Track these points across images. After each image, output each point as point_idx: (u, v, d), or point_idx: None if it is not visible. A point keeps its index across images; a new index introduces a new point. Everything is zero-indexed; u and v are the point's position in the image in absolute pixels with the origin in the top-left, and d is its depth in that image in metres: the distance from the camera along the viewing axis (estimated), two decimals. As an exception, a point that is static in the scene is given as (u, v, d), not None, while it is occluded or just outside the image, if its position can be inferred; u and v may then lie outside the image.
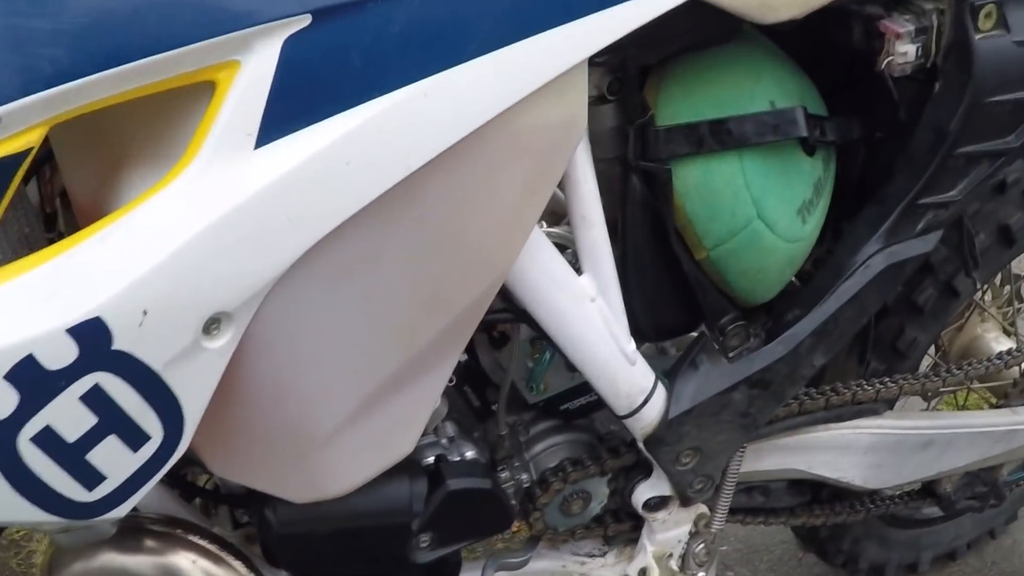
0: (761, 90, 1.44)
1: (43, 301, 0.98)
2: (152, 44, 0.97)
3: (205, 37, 0.99)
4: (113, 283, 1.00)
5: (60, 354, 0.99)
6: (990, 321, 2.09)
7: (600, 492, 1.66)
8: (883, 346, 1.82)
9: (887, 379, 1.75)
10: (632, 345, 1.46)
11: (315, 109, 1.06)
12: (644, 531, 1.70)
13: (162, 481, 1.18)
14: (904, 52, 1.43)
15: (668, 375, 1.53)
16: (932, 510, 2.12)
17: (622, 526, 1.71)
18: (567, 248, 1.43)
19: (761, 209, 1.43)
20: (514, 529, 1.97)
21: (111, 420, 1.06)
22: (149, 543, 1.34)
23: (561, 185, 1.32)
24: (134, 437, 1.08)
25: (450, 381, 1.35)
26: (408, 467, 1.38)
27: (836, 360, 1.71)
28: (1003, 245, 1.80)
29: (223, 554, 1.36)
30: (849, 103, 1.55)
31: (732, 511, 1.73)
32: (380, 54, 1.08)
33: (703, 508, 1.69)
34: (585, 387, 1.56)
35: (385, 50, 1.08)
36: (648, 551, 1.70)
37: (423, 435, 1.42)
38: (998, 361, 1.88)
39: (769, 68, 1.47)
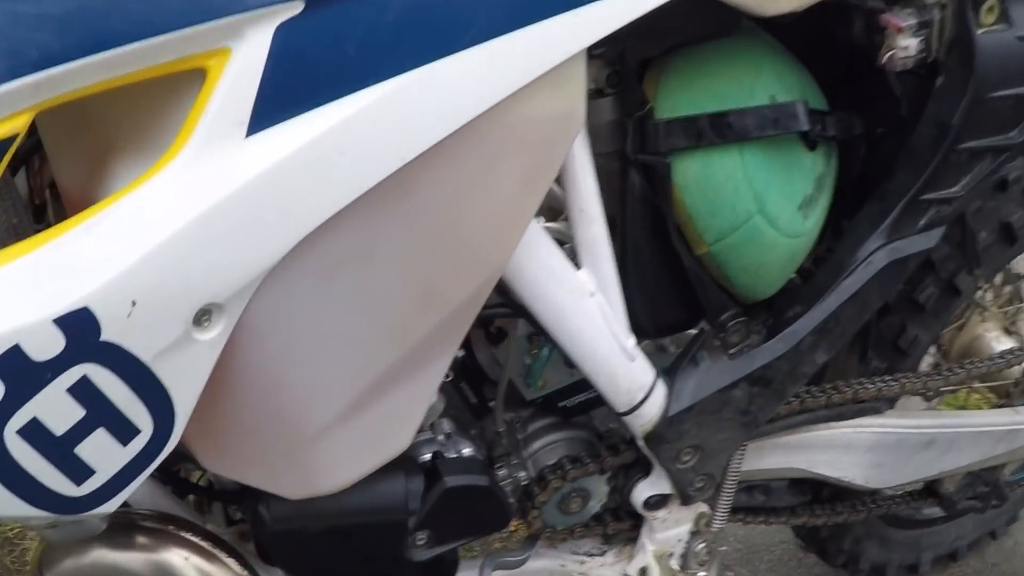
0: (761, 84, 1.43)
1: (29, 291, 0.97)
2: (140, 29, 0.96)
3: (195, 23, 0.98)
4: (101, 273, 0.98)
5: (47, 345, 0.98)
6: (991, 320, 2.08)
7: (599, 490, 1.65)
8: (884, 344, 1.81)
9: (889, 377, 1.74)
10: (632, 341, 1.44)
11: (308, 97, 1.05)
12: (644, 530, 1.69)
13: (154, 477, 1.17)
14: (905, 46, 1.42)
15: (668, 372, 1.52)
16: (933, 510, 2.12)
17: (622, 525, 1.70)
18: (565, 243, 1.41)
19: (762, 204, 1.42)
20: (512, 528, 1.96)
21: (100, 413, 1.04)
22: (141, 539, 1.33)
23: (559, 179, 1.32)
24: (123, 430, 1.07)
25: (447, 377, 1.34)
26: (404, 464, 1.37)
27: (837, 358, 1.70)
28: (1005, 243, 1.79)
29: (216, 551, 1.35)
30: (849, 98, 1.54)
31: (733, 510, 1.72)
32: (374, 42, 1.07)
33: (704, 507, 1.68)
34: (584, 384, 1.54)
35: (379, 38, 1.07)
36: (648, 550, 1.69)
37: (419, 431, 1.40)
38: (1000, 360, 1.88)
39: (769, 62, 1.46)
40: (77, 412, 1.03)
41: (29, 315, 0.97)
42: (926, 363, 1.95)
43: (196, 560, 1.34)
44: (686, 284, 1.48)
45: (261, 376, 1.17)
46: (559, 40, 1.17)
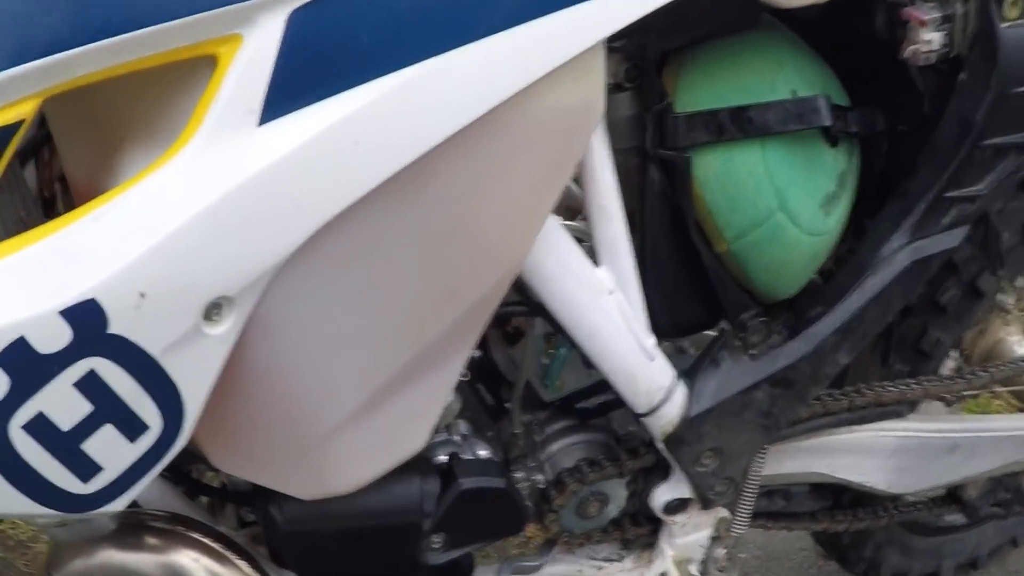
0: (783, 79, 1.42)
1: (35, 282, 0.95)
2: (150, 14, 0.95)
3: (206, 8, 0.97)
4: (108, 264, 0.97)
5: (53, 337, 0.96)
6: (1013, 323, 2.06)
7: (618, 494, 1.63)
8: (906, 347, 1.79)
9: (911, 380, 1.72)
10: (652, 340, 1.43)
11: (321, 86, 1.03)
12: (663, 535, 1.67)
13: (166, 477, 1.15)
14: (928, 40, 1.41)
15: (688, 372, 1.51)
16: (956, 517, 2.09)
17: (640, 529, 1.68)
18: (583, 242, 1.40)
19: (784, 201, 1.41)
20: (528, 535, 1.94)
21: (107, 408, 1.03)
22: (151, 540, 1.31)
23: (577, 176, 1.30)
24: (132, 427, 1.05)
25: (464, 376, 1.33)
26: (419, 465, 1.36)
27: (859, 361, 1.68)
28: (1029, 244, 1.76)
29: (227, 552, 1.34)
30: (871, 94, 1.52)
31: (753, 515, 1.70)
32: (390, 30, 1.06)
33: (724, 512, 1.66)
34: (602, 385, 1.52)
35: (395, 26, 1.06)
36: (667, 556, 1.67)
37: (435, 433, 1.39)
38: (1023, 364, 1.85)
39: (790, 57, 1.45)
40: (84, 407, 1.01)
41: (35, 306, 0.95)
42: (948, 367, 1.93)
43: (206, 561, 1.32)
44: (706, 283, 1.46)
45: (273, 373, 1.15)
46: (579, 29, 1.15)
